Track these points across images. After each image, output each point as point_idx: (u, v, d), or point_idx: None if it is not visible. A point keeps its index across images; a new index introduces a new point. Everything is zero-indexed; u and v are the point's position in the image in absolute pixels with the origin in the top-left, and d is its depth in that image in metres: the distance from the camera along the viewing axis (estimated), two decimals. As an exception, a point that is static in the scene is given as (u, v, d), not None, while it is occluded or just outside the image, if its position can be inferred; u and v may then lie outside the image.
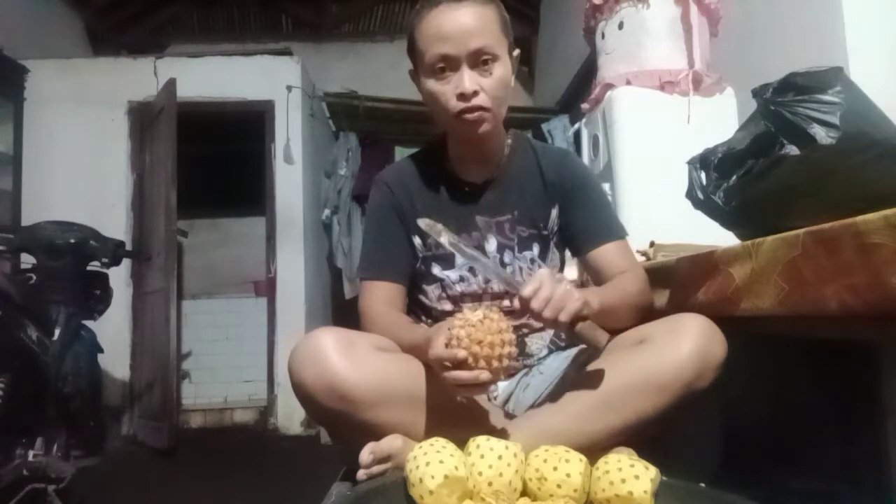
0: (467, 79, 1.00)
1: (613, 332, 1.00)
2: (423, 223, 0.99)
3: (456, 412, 0.95)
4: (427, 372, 0.96)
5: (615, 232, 1.13)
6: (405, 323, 1.08)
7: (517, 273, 1.13)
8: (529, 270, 1.14)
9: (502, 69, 1.03)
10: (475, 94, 1.01)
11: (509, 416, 1.07)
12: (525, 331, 1.13)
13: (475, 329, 0.82)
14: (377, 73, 5.19)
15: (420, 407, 0.95)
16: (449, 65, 1.01)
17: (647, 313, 1.05)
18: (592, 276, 1.16)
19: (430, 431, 0.92)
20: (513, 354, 0.84)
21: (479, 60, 1.01)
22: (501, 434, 0.92)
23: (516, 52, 1.09)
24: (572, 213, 1.15)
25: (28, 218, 3.46)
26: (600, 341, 0.88)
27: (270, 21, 5.71)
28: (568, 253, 1.22)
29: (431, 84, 1.04)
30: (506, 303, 1.10)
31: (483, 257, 0.98)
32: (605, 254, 1.11)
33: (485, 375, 0.81)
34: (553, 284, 0.84)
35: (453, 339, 0.83)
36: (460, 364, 0.82)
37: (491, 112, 1.04)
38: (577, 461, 0.79)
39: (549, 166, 1.16)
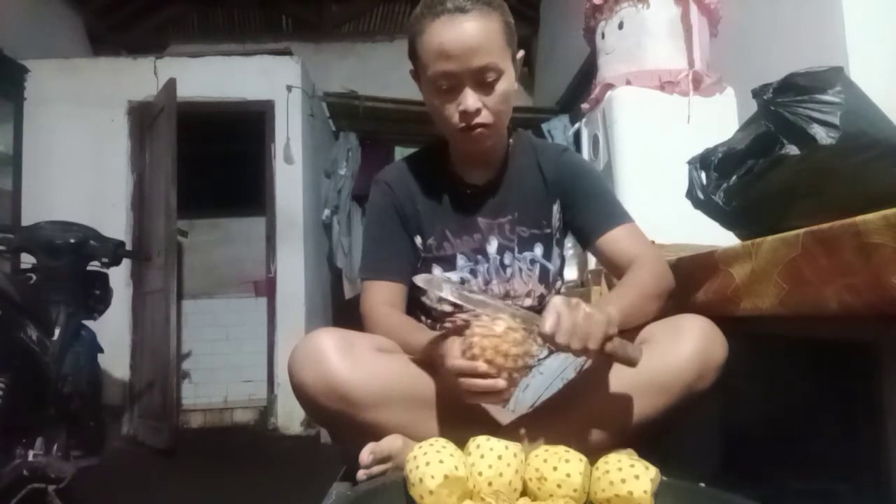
0: (470, 98, 0.98)
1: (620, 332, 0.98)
2: (420, 280, 0.93)
3: (456, 413, 0.95)
4: (427, 372, 0.96)
5: (620, 217, 1.11)
6: (410, 325, 1.08)
7: (516, 274, 1.13)
8: (529, 271, 1.13)
9: (506, 83, 1.01)
10: (478, 112, 1.00)
11: (509, 416, 1.07)
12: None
13: (501, 340, 0.81)
14: (377, 73, 5.19)
15: (420, 407, 0.95)
16: (452, 81, 0.99)
17: (671, 296, 1.02)
18: (605, 265, 1.14)
19: (430, 432, 0.92)
20: (528, 362, 0.83)
21: (483, 78, 0.98)
22: (502, 434, 0.92)
23: (520, 54, 1.07)
24: (575, 206, 1.14)
25: (28, 218, 3.45)
26: (635, 358, 0.83)
27: (270, 21, 5.71)
28: (568, 253, 1.22)
29: (434, 98, 1.03)
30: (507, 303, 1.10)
31: (492, 300, 0.93)
32: (613, 240, 1.08)
33: (501, 383, 0.81)
34: (572, 312, 0.80)
35: (475, 348, 0.81)
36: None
37: (493, 126, 1.03)
38: (577, 461, 0.79)
39: (548, 164, 1.16)
